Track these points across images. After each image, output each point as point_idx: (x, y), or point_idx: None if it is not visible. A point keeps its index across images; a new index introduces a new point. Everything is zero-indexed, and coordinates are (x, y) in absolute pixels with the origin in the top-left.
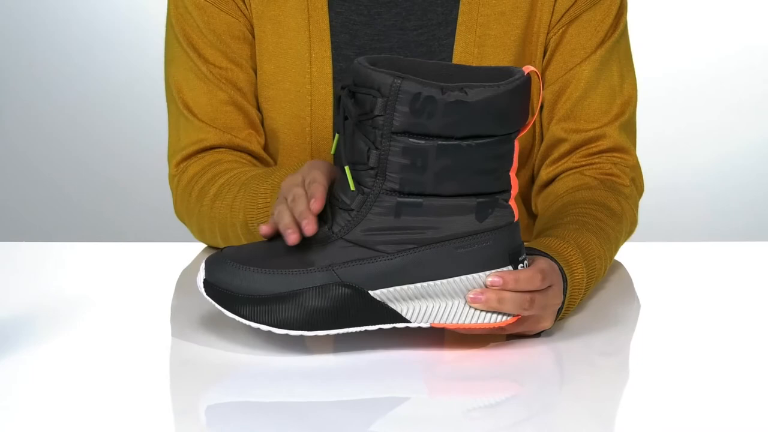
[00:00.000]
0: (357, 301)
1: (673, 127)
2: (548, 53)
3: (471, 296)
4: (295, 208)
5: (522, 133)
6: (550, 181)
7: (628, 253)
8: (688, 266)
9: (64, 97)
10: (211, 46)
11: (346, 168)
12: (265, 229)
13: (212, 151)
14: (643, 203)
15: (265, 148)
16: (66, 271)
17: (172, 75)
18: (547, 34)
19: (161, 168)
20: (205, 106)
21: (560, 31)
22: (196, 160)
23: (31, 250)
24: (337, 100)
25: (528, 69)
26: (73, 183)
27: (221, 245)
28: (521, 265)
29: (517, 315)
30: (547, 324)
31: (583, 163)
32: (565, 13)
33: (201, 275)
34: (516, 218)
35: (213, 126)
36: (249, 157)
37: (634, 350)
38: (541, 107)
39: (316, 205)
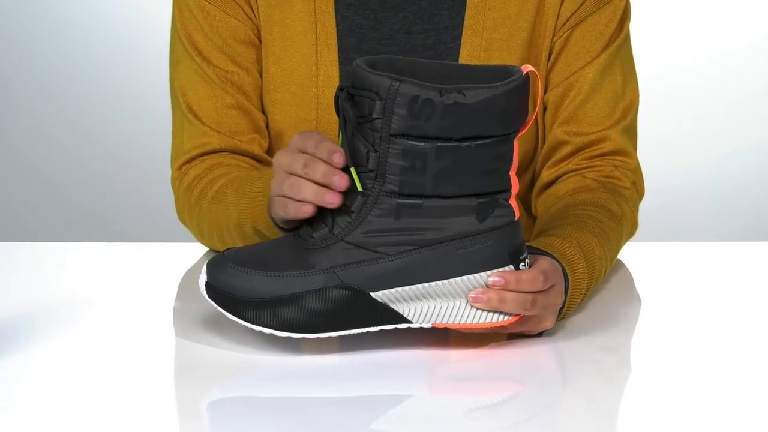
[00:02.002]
0: (358, 302)
1: (674, 126)
2: (553, 56)
3: (472, 296)
4: (316, 171)
5: (521, 133)
6: (551, 183)
7: (629, 253)
8: (688, 266)
9: (64, 97)
10: (216, 49)
11: (352, 170)
12: (308, 208)
13: (214, 155)
14: (644, 203)
15: (269, 151)
16: (66, 271)
17: (176, 79)
18: (552, 37)
19: (161, 168)
20: (209, 110)
21: (565, 34)
22: (197, 162)
23: (31, 250)
24: (336, 101)
25: (527, 68)
26: (73, 183)
27: (219, 248)
28: (522, 264)
29: (519, 315)
30: (548, 324)
31: (585, 165)
32: (570, 16)
33: (203, 278)
34: (517, 217)
35: (217, 130)
36: (252, 161)
37: (635, 349)
38: (544, 109)
39: (341, 158)
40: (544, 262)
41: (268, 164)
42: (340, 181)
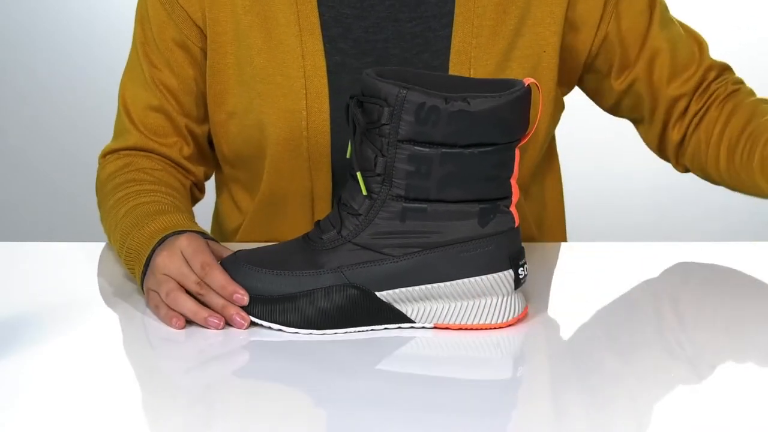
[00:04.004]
0: (364, 301)
1: None
2: (612, 34)
3: None
4: (211, 302)
5: (522, 142)
6: (682, 139)
7: (629, 253)
8: (688, 266)
9: (64, 97)
10: (157, 50)
11: (358, 174)
12: (178, 323)
13: (131, 151)
14: (643, 203)
15: (251, 146)
16: (66, 271)
17: (124, 73)
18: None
19: None
20: (137, 108)
21: (612, 20)
22: (115, 158)
23: (31, 250)
24: (346, 110)
25: (528, 81)
26: (73, 183)
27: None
28: (521, 269)
29: (522, 314)
30: None
31: (705, 99)
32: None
33: None
34: (517, 224)
35: (138, 129)
36: (169, 161)
37: (637, 346)
38: (631, 84)
39: (245, 299)
40: None
41: (185, 167)
42: (243, 320)
